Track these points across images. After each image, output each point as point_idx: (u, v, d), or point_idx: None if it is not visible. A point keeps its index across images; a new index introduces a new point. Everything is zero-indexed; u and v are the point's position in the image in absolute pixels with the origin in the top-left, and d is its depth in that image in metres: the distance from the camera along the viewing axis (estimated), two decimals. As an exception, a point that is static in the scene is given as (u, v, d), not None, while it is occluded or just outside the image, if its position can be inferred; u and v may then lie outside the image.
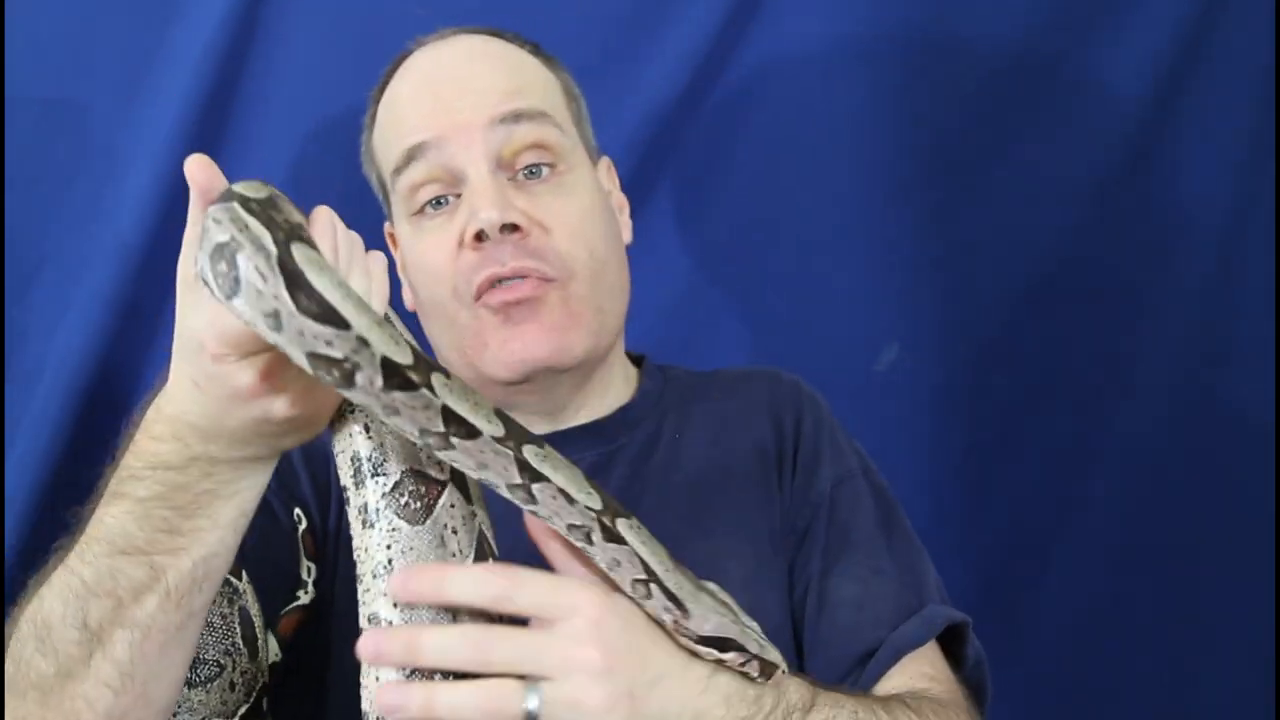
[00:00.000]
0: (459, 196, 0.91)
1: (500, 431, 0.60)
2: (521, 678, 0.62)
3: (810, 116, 1.27)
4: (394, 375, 0.56)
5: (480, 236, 0.87)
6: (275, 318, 0.55)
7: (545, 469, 0.62)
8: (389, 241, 1.04)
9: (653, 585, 0.64)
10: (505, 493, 0.63)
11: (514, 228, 0.87)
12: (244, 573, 0.80)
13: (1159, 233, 1.29)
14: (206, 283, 0.56)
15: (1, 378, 1.17)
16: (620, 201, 1.05)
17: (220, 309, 0.56)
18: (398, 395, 0.57)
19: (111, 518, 0.65)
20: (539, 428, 0.96)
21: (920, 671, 0.85)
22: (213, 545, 0.66)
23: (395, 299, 1.01)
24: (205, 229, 0.57)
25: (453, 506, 0.68)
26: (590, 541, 0.64)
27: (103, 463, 1.20)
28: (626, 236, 1.03)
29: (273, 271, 0.54)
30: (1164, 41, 1.26)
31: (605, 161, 1.05)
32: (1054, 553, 1.32)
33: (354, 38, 1.19)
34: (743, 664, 0.68)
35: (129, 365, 1.18)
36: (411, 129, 0.92)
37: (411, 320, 0.99)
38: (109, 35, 1.17)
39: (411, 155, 0.91)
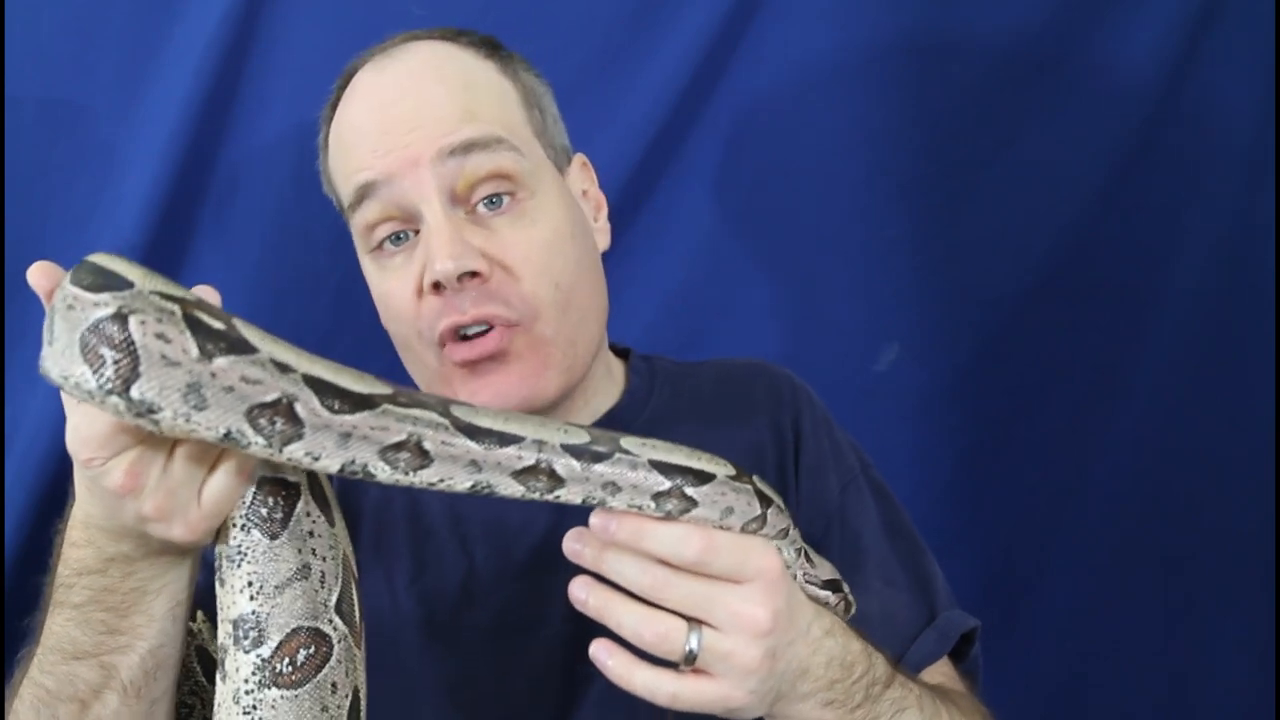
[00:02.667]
0: (417, 232, 0.87)
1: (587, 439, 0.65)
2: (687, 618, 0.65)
3: (810, 117, 1.27)
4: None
5: (438, 286, 0.84)
6: (195, 389, 0.54)
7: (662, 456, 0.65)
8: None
9: (788, 539, 0.71)
10: (651, 503, 0.66)
11: (473, 274, 0.84)
12: (198, 613, 0.80)
13: (1159, 233, 1.29)
14: (73, 384, 0.54)
15: (1, 378, 1.17)
16: (598, 201, 1.00)
17: (82, 411, 0.58)
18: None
19: (58, 626, 0.69)
20: None
21: (934, 673, 0.88)
22: (155, 637, 0.69)
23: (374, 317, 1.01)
24: (62, 317, 0.54)
25: (312, 521, 0.67)
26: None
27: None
28: (603, 243, 0.98)
29: (179, 330, 0.53)
30: (1164, 43, 1.26)
31: (579, 159, 0.99)
32: (1053, 552, 1.32)
33: (354, 38, 1.18)
34: (837, 603, 0.74)
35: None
36: (359, 165, 0.87)
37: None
38: (109, 35, 1.17)
39: (363, 194, 0.87)
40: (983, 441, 1.31)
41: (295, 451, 0.58)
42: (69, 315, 0.54)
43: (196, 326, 0.55)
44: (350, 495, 0.90)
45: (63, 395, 0.60)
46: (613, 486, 0.65)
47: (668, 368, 1.02)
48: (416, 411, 0.60)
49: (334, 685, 0.65)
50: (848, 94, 1.27)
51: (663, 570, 0.65)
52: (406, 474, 0.61)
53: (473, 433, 0.62)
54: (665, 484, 0.65)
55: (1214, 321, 1.30)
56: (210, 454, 0.61)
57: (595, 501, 0.65)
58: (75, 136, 1.18)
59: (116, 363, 0.53)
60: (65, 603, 0.68)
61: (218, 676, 0.65)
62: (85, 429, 0.58)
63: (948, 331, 1.30)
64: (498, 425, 0.63)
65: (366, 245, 0.90)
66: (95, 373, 0.54)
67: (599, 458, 0.64)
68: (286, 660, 0.63)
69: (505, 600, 0.89)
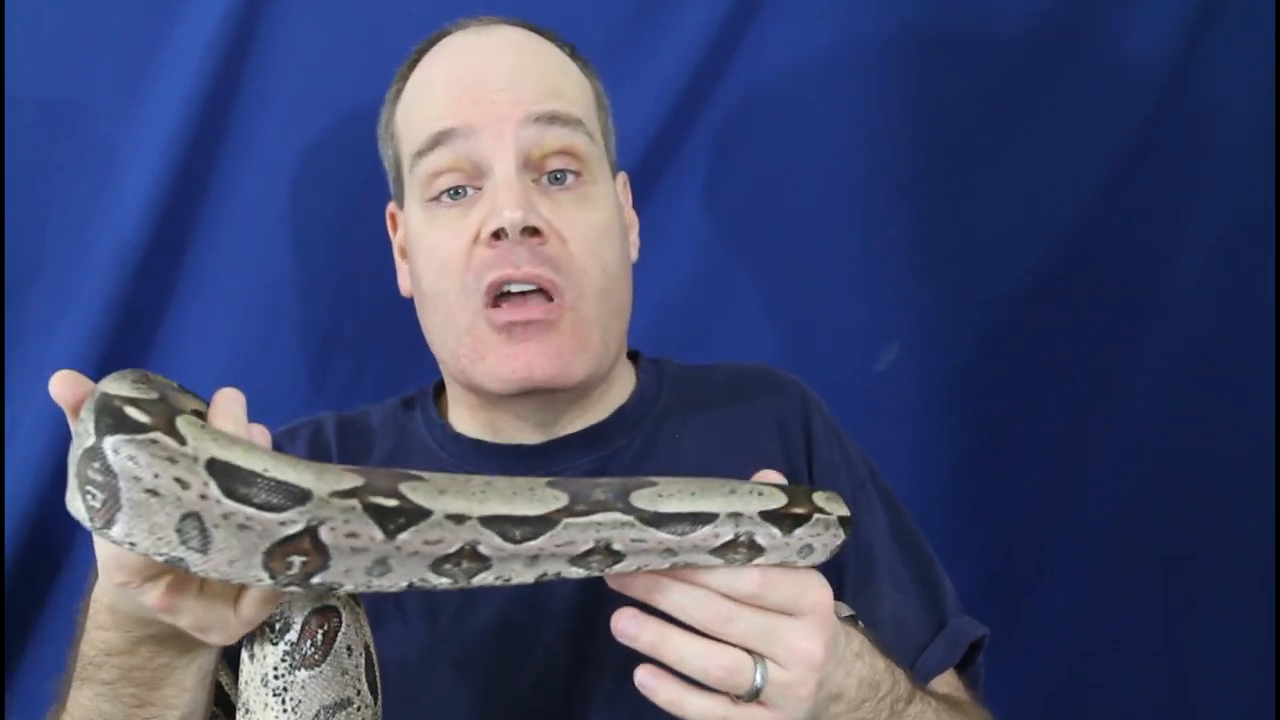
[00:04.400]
0: (479, 190, 0.88)
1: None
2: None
3: (810, 117, 1.27)
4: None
5: (498, 235, 0.85)
6: (381, 563, 0.55)
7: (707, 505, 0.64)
8: (389, 222, 1.02)
9: None
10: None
11: (534, 231, 0.85)
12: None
13: (1159, 233, 1.29)
14: (249, 580, 0.54)
15: (1, 378, 1.17)
16: (631, 219, 1.03)
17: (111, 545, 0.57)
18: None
19: (87, 699, 0.69)
20: (530, 437, 0.94)
21: (940, 682, 0.89)
22: (186, 705, 0.69)
23: (391, 286, 1.01)
24: (230, 533, 0.53)
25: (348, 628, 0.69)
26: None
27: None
28: (634, 256, 1.00)
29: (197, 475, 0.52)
30: (1164, 42, 1.26)
31: (622, 177, 1.02)
32: (1053, 552, 1.32)
33: (354, 38, 1.19)
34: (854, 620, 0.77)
35: (129, 365, 1.18)
36: (442, 113, 0.88)
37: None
38: (109, 35, 1.17)
39: (438, 140, 0.88)
40: (983, 441, 1.31)
41: (484, 580, 0.60)
42: (244, 535, 0.53)
43: (375, 512, 0.55)
44: None
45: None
46: (808, 549, 0.67)
47: (676, 371, 1.03)
48: (599, 517, 0.61)
49: (349, 648, 0.67)
50: (848, 94, 1.27)
51: (725, 603, 0.65)
52: (600, 571, 0.63)
53: (659, 522, 0.62)
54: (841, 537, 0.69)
55: (1214, 321, 1.29)
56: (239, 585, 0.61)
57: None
58: (75, 136, 1.18)
59: (305, 564, 0.54)
60: (93, 679, 0.69)
61: (244, 656, 0.67)
62: (120, 555, 0.57)
63: (948, 331, 1.30)
64: (685, 507, 0.63)
65: (424, 194, 0.90)
66: (275, 577, 0.54)
67: (798, 521, 0.65)
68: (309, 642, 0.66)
69: (507, 596, 0.89)
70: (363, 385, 1.24)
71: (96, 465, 0.52)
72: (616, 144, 1.20)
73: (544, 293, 0.87)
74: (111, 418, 0.52)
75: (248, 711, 0.66)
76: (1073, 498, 1.31)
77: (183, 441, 0.52)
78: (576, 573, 0.62)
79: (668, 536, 0.62)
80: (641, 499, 0.62)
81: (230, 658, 0.74)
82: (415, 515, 0.56)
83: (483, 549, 0.58)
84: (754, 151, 1.28)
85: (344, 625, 0.67)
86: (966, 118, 1.28)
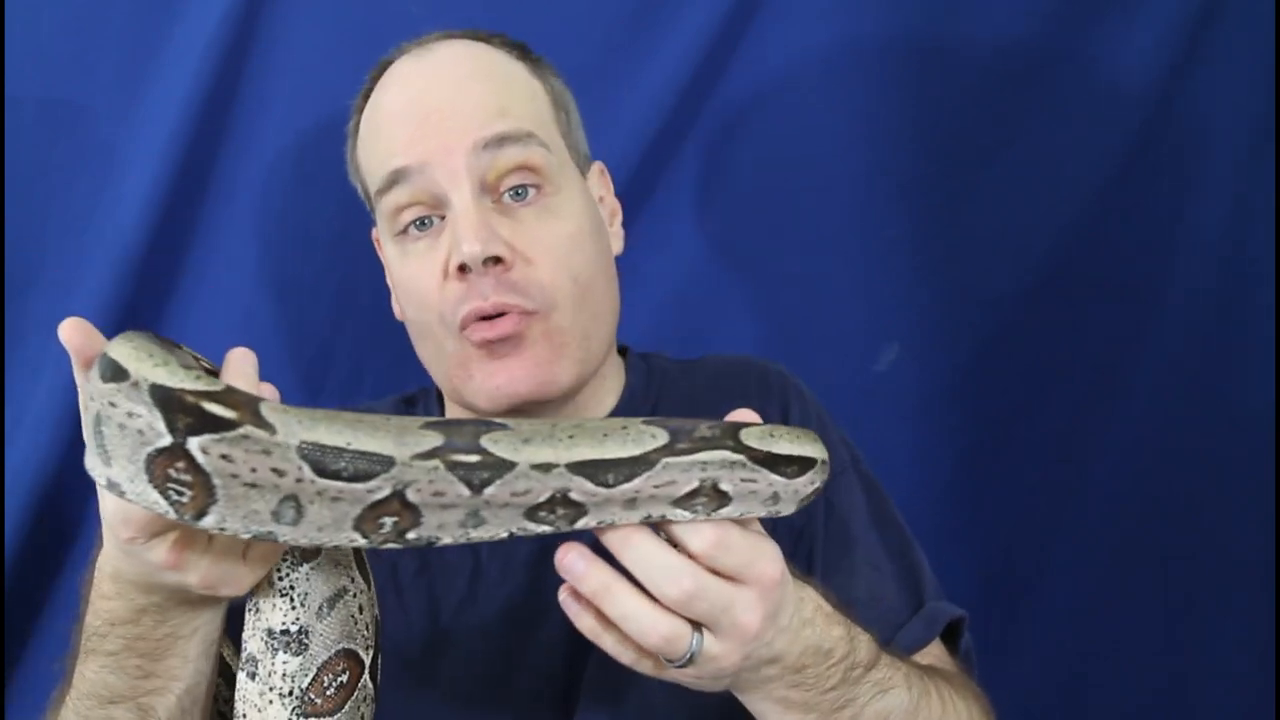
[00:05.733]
0: (443, 218, 0.89)
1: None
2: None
3: (810, 117, 1.27)
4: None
5: (463, 268, 0.86)
6: (474, 514, 0.57)
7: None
8: (376, 246, 1.03)
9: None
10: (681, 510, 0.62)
11: (497, 260, 0.85)
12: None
13: (1159, 233, 1.29)
14: (340, 542, 0.55)
15: (1, 378, 1.17)
16: (613, 208, 1.03)
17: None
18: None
19: (92, 672, 0.70)
20: None
21: (925, 657, 0.88)
22: (190, 677, 0.70)
23: (385, 309, 1.01)
24: (324, 506, 0.54)
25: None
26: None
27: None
28: (617, 247, 1.00)
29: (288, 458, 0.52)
30: (1164, 41, 1.26)
31: (597, 166, 1.02)
32: (1054, 552, 1.31)
33: (354, 38, 1.19)
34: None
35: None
36: (394, 151, 0.89)
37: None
38: (109, 35, 1.17)
39: (394, 179, 0.89)
40: (983, 441, 1.31)
41: (585, 524, 0.60)
42: (336, 506, 0.54)
43: (459, 469, 0.56)
44: None
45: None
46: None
47: (665, 366, 1.03)
48: (704, 455, 0.60)
49: (360, 607, 0.69)
50: (848, 94, 1.27)
51: (694, 574, 0.62)
52: (706, 514, 0.62)
53: (773, 463, 0.62)
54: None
55: (1214, 321, 1.29)
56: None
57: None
58: (75, 136, 1.18)
59: (396, 523, 0.55)
60: (98, 650, 0.69)
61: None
62: (126, 509, 0.58)
63: (948, 331, 1.29)
64: (794, 450, 0.62)
65: (392, 229, 0.91)
66: (368, 537, 0.56)
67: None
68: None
69: (509, 594, 0.90)
70: (363, 385, 1.24)
71: (181, 465, 0.52)
72: (616, 142, 1.20)
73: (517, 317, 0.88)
74: (191, 416, 0.51)
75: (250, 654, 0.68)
76: (1073, 498, 1.31)
77: (273, 430, 0.52)
78: (681, 515, 0.61)
79: (778, 479, 0.62)
80: (752, 437, 0.61)
81: (233, 634, 0.74)
82: (499, 468, 0.56)
83: (574, 495, 0.58)
84: (753, 151, 1.28)
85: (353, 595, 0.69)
86: (966, 118, 1.28)
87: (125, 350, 0.54)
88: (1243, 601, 1.29)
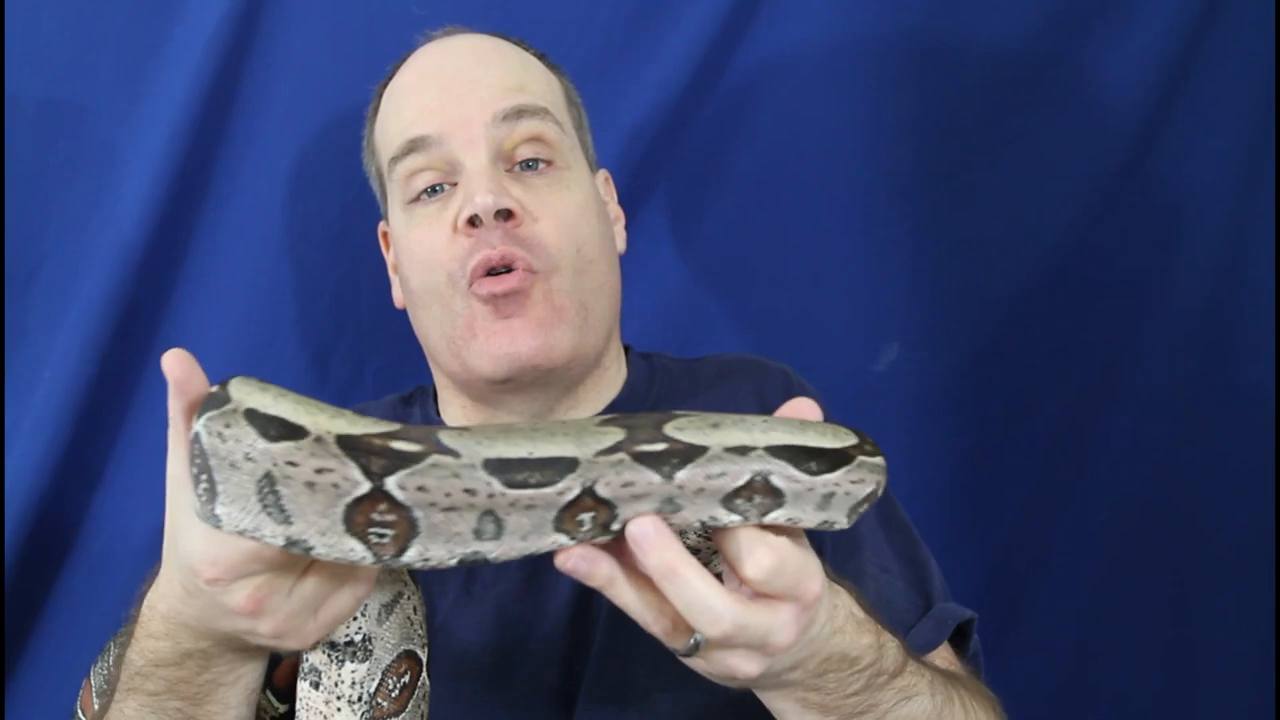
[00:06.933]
0: (454, 185, 0.91)
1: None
2: None
3: (810, 117, 1.27)
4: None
5: (474, 221, 0.87)
6: (670, 502, 0.56)
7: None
8: (381, 241, 1.04)
9: None
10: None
11: (508, 214, 0.87)
12: None
13: (1159, 232, 1.29)
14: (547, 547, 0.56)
15: (1, 378, 1.17)
16: (617, 214, 1.05)
17: (217, 536, 0.56)
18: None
19: (132, 710, 0.69)
20: None
21: (935, 660, 0.87)
22: None
23: (385, 309, 1.02)
24: (513, 515, 0.55)
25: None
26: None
27: (103, 462, 1.21)
28: (621, 246, 1.02)
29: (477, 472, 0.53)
30: (1164, 41, 1.26)
31: (603, 173, 1.04)
32: (1054, 552, 1.31)
33: (354, 38, 1.19)
34: None
35: (129, 365, 1.18)
36: (414, 120, 0.92)
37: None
38: (109, 35, 1.17)
39: (412, 146, 0.91)
40: (983, 441, 1.31)
41: (777, 518, 0.59)
42: (532, 513, 0.55)
43: (646, 460, 0.56)
44: None
45: (181, 508, 0.59)
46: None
47: (667, 364, 1.04)
48: (879, 460, 0.62)
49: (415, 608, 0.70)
50: (848, 94, 1.27)
51: (734, 614, 0.57)
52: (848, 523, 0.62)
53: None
54: None
55: (1214, 322, 1.29)
56: (342, 575, 0.61)
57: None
58: (75, 136, 1.18)
59: (594, 517, 0.56)
60: (139, 690, 0.69)
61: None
62: (215, 548, 0.57)
63: (948, 331, 1.29)
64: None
65: (404, 196, 0.93)
66: (573, 536, 0.56)
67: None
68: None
69: (504, 591, 0.90)
70: (363, 385, 1.24)
71: (383, 507, 0.53)
72: (616, 142, 1.20)
73: (520, 273, 0.89)
74: (384, 458, 0.52)
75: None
76: (1073, 498, 1.31)
77: (457, 455, 0.53)
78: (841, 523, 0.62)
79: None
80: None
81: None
82: (689, 455, 0.56)
83: (775, 480, 0.58)
84: (753, 151, 1.28)
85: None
86: (966, 118, 1.28)
87: (285, 405, 0.53)
88: (1242, 601, 1.29)
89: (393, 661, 0.67)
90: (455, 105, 0.91)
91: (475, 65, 0.94)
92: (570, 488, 0.54)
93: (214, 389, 0.56)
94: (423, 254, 0.91)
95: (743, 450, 0.57)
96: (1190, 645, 1.31)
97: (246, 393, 0.54)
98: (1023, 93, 1.28)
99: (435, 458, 0.52)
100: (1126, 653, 1.31)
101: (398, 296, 1.01)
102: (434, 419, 0.99)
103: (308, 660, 0.68)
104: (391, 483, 0.52)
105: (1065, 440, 1.31)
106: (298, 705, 0.68)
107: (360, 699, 0.66)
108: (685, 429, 0.57)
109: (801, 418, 0.63)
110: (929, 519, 1.06)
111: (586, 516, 0.55)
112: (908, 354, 1.29)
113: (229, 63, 1.17)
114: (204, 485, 0.54)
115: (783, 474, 0.58)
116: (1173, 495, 1.30)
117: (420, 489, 0.53)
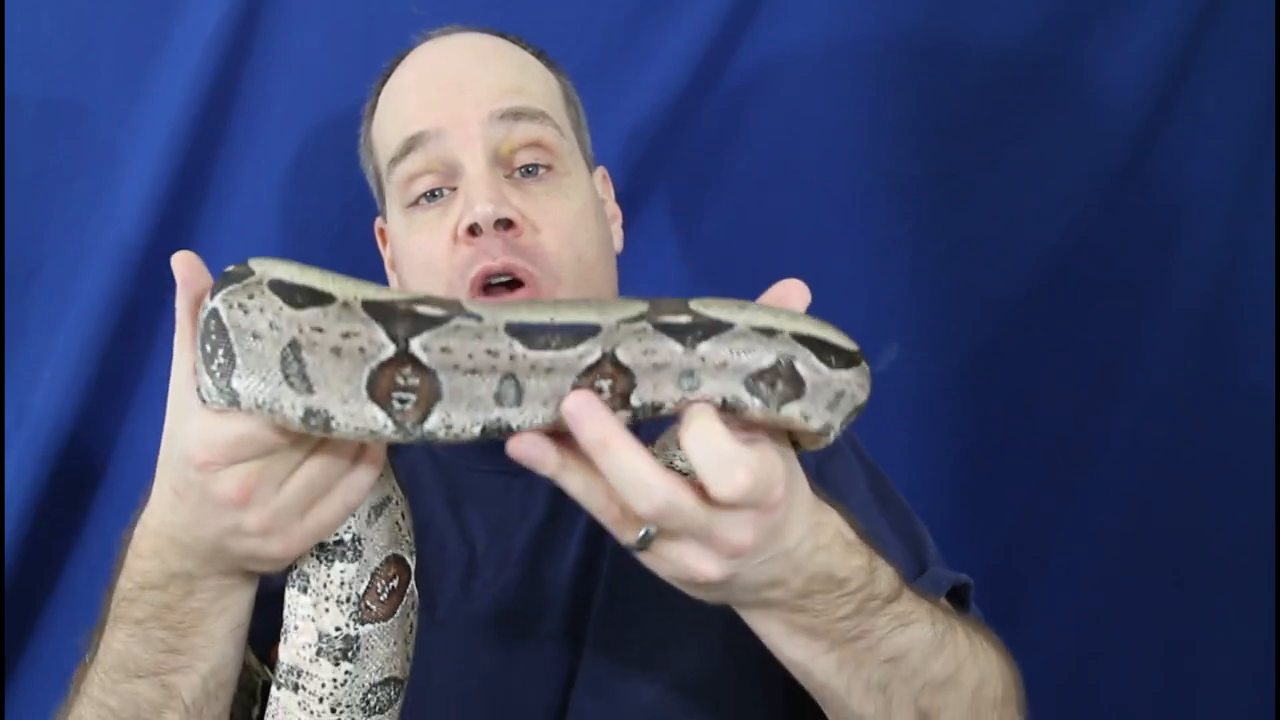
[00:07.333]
0: (454, 190, 0.90)
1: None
2: None
3: (810, 117, 1.27)
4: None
5: (474, 230, 0.87)
6: (689, 374, 0.56)
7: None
8: (379, 238, 1.04)
9: None
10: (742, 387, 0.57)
11: (508, 224, 0.87)
12: None
13: (1160, 232, 1.29)
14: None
15: (1, 378, 1.17)
16: (614, 212, 1.05)
17: (207, 414, 0.56)
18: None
19: (119, 643, 0.68)
20: None
21: None
22: (215, 659, 0.68)
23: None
24: (532, 378, 0.54)
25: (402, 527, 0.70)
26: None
27: (102, 461, 1.21)
28: (618, 245, 1.02)
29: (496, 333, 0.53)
30: (1164, 41, 1.26)
31: (600, 172, 1.04)
32: (1054, 552, 1.32)
33: (354, 38, 1.19)
34: None
35: (129, 365, 1.18)
36: (411, 119, 0.92)
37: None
38: (109, 35, 1.17)
39: (410, 145, 0.91)
40: (983, 441, 1.31)
41: (791, 411, 0.58)
42: (551, 378, 0.55)
43: (670, 330, 0.56)
44: None
45: (186, 396, 0.59)
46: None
47: None
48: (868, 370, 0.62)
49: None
50: (848, 94, 1.27)
51: (662, 475, 0.54)
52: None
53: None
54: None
55: (1214, 322, 1.29)
56: (331, 478, 0.61)
57: None
58: (75, 136, 1.18)
59: (612, 385, 0.56)
60: (126, 617, 0.68)
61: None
62: (212, 431, 0.57)
63: (948, 331, 1.29)
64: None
65: (403, 200, 0.93)
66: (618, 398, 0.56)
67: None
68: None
69: (503, 588, 0.90)
70: (362, 385, 1.24)
71: (407, 370, 0.53)
72: (616, 142, 1.20)
73: (523, 284, 0.89)
74: (409, 320, 0.53)
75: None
76: (1073, 498, 1.31)
77: (479, 319, 0.54)
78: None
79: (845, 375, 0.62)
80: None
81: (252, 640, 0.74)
82: (714, 329, 0.56)
83: (799, 367, 0.57)
84: (753, 151, 1.28)
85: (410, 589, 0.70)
86: (966, 118, 1.28)
87: (311, 276, 0.55)
88: (1243, 602, 1.29)
89: (381, 565, 0.67)
90: (452, 102, 0.91)
91: (473, 64, 0.94)
92: (590, 351, 0.54)
93: (231, 268, 0.56)
94: (423, 259, 0.91)
95: (769, 331, 0.57)
96: (1190, 645, 1.31)
97: (269, 266, 0.55)
98: (1023, 93, 1.28)
99: (459, 320, 0.53)
100: (1126, 653, 1.31)
101: None
102: None
103: (295, 566, 0.68)
104: (416, 344, 0.53)
105: (1065, 440, 1.31)
106: (285, 613, 0.68)
107: (349, 599, 0.66)
108: (710, 306, 0.57)
109: (791, 303, 0.63)
110: (929, 519, 1.06)
111: (605, 384, 0.55)
112: (908, 354, 1.29)
113: (229, 63, 1.17)
114: (219, 361, 0.55)
115: (807, 362, 0.58)
116: (1172, 495, 1.30)
117: (444, 350, 0.53)
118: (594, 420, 0.54)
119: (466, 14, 1.02)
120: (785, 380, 0.57)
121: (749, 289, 1.30)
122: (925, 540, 0.93)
